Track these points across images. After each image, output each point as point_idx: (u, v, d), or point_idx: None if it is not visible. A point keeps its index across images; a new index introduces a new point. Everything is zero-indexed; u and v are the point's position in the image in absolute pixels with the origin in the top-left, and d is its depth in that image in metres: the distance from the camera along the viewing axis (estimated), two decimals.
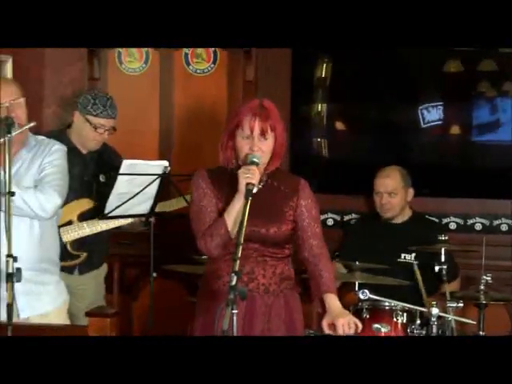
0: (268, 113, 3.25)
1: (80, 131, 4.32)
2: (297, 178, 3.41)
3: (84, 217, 4.28)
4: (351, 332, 3.21)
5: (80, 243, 4.30)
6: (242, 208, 3.09)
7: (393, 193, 4.80)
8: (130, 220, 4.31)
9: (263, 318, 3.29)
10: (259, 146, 3.24)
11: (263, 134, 3.24)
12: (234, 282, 2.80)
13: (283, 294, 3.33)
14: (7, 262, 3.08)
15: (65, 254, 4.11)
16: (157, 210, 4.27)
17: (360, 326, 3.24)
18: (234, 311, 2.76)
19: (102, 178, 4.38)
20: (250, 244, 3.23)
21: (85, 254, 4.33)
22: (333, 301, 3.28)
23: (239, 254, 2.90)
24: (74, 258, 4.33)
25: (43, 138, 3.75)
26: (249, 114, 3.24)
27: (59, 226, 3.95)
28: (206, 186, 3.31)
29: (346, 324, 3.22)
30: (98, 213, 4.22)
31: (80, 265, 4.36)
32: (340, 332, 3.20)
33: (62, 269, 3.96)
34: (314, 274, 3.34)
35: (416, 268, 4.51)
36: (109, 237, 4.50)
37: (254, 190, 3.20)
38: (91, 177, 4.38)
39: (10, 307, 3.06)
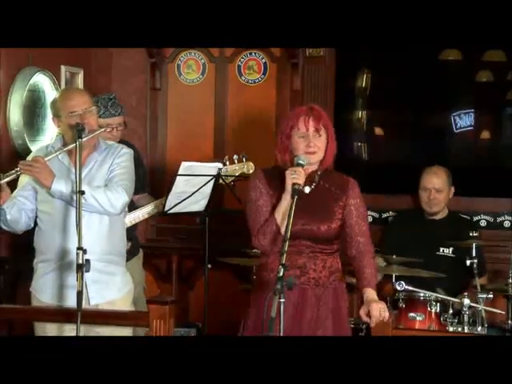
0: (319, 113, 3.28)
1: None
2: (346, 179, 3.38)
3: None
4: (384, 316, 3.20)
5: None
6: (288, 206, 3.09)
7: (439, 190, 4.78)
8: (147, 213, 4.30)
9: (313, 308, 3.28)
10: (315, 143, 3.25)
11: (317, 130, 3.24)
12: (281, 274, 2.82)
13: (332, 286, 3.32)
14: (77, 254, 3.13)
15: None
16: None
17: (387, 316, 3.22)
18: (281, 300, 2.78)
19: None
20: (302, 241, 3.25)
21: (129, 244, 4.36)
22: (370, 294, 3.27)
23: (286, 249, 2.93)
24: None
25: (112, 142, 3.78)
26: (302, 115, 3.26)
27: None
28: (262, 185, 3.31)
29: (377, 308, 3.20)
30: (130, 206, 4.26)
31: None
32: (374, 313, 3.19)
33: None
34: (357, 269, 3.34)
35: None
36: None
37: (307, 191, 3.24)
38: None
39: (79, 295, 3.11)
